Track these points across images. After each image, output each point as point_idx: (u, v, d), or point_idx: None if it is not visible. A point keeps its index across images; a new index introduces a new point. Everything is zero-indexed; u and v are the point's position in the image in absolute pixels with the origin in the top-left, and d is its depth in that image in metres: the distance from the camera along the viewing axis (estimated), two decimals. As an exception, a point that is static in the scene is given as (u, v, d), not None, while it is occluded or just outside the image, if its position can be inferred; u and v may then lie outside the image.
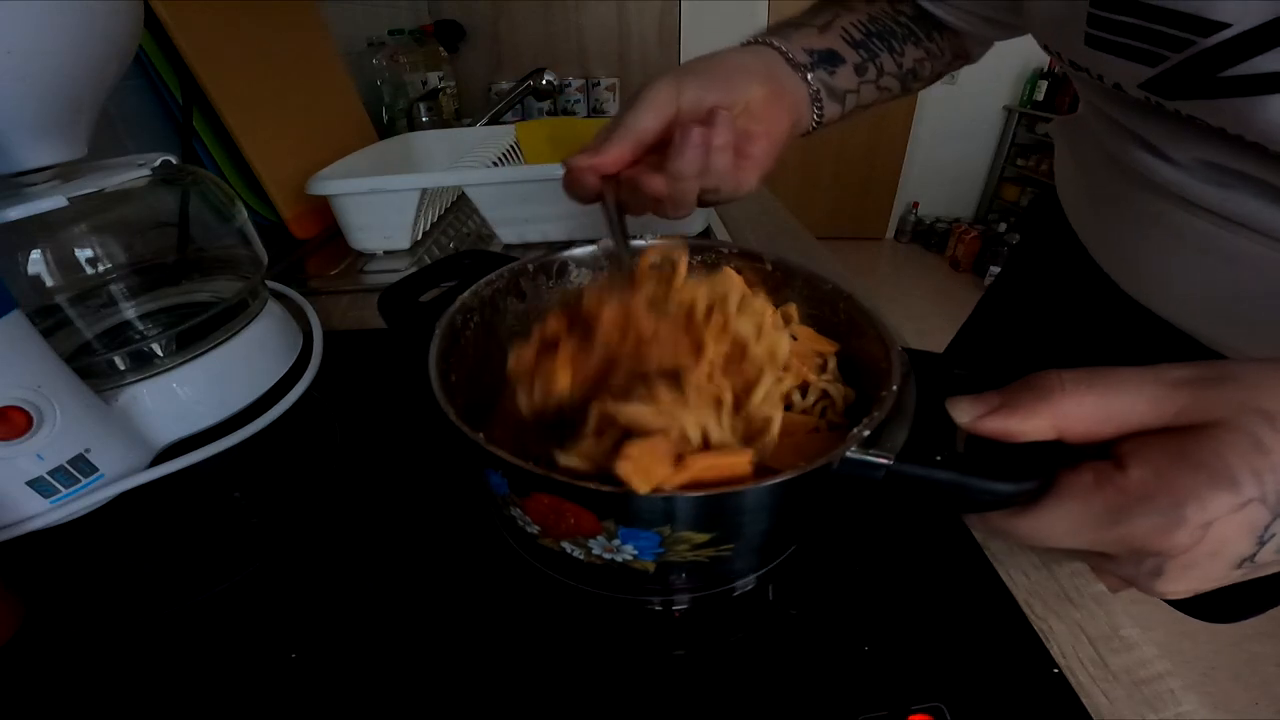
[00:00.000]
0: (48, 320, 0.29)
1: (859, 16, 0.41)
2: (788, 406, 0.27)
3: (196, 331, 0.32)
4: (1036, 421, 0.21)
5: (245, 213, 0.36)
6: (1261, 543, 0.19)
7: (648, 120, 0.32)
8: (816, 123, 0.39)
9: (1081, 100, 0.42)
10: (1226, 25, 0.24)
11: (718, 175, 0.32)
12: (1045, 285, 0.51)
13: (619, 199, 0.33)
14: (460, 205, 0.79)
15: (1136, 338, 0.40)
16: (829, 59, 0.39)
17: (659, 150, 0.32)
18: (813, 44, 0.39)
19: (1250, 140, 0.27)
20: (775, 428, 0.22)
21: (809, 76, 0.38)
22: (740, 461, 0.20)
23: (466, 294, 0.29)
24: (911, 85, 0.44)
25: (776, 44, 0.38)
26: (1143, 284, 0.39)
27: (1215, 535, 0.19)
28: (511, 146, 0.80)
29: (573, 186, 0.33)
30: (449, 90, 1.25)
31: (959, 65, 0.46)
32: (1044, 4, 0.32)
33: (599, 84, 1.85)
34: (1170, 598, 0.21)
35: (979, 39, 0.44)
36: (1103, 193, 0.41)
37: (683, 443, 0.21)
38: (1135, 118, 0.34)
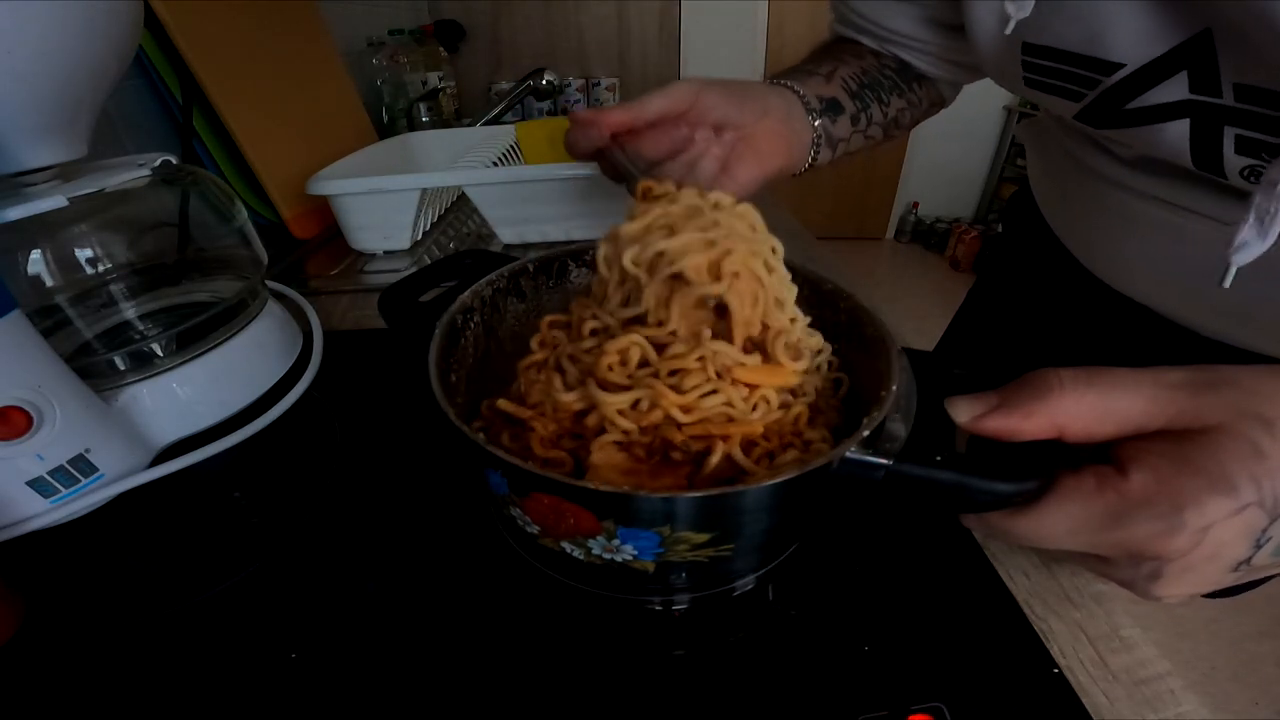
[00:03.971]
0: (48, 320, 0.29)
1: (854, 69, 0.44)
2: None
3: (196, 331, 0.32)
4: (1036, 420, 0.21)
5: (245, 213, 0.36)
6: (1258, 546, 0.19)
7: (659, 103, 0.35)
8: (810, 164, 0.43)
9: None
10: (1122, 65, 0.28)
11: (701, 178, 0.35)
12: (1026, 275, 0.52)
13: (620, 148, 0.35)
14: (460, 205, 0.79)
15: (1113, 321, 0.42)
16: (833, 107, 0.42)
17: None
18: (821, 91, 0.42)
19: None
20: None
21: (816, 123, 0.41)
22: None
23: (466, 294, 0.29)
24: (893, 133, 0.47)
25: (794, 87, 0.41)
26: (1108, 265, 0.41)
27: (1213, 539, 0.19)
28: (511, 146, 0.80)
29: (574, 135, 0.36)
30: (449, 90, 1.25)
31: (935, 111, 0.49)
32: (990, 53, 0.35)
33: (599, 84, 1.85)
34: (1166, 601, 0.22)
35: (952, 84, 0.47)
36: (1066, 184, 0.43)
37: None
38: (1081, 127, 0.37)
